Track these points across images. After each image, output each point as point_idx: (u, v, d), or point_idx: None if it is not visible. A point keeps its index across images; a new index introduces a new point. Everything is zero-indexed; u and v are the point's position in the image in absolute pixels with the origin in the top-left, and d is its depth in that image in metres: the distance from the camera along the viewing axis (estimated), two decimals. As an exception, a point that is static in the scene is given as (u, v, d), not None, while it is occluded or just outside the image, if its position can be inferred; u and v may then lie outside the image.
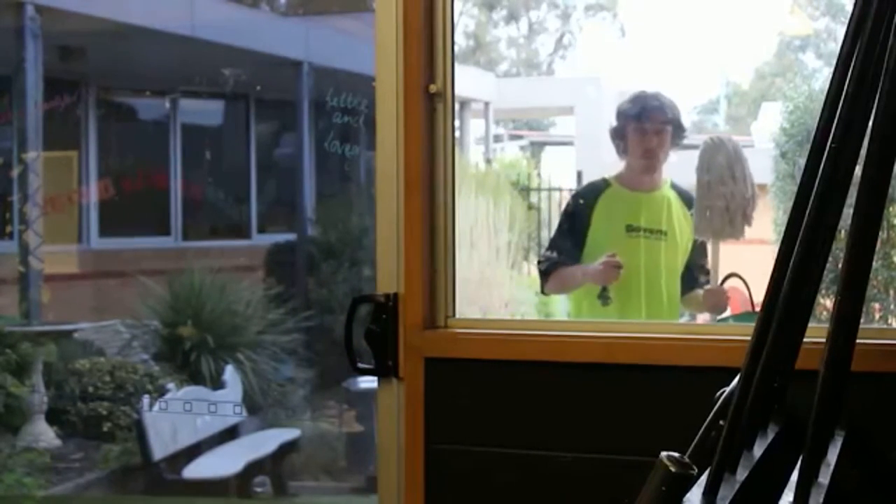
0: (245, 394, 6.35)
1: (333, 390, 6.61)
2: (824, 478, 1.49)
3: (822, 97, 1.53)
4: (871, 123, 1.46)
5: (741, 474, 1.46)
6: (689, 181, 3.74)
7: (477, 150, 14.18)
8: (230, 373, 6.41)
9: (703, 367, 1.99)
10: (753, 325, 1.52)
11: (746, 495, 1.43)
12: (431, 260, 2.24)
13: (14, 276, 6.64)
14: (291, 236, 8.16)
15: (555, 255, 3.71)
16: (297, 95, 7.91)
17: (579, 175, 10.31)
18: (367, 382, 5.22)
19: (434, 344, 2.22)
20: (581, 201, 3.78)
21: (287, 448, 6.17)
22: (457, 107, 2.75)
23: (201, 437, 6.07)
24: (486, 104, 13.94)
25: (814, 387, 1.42)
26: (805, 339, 1.63)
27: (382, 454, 2.27)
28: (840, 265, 1.44)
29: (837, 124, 1.47)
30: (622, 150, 3.71)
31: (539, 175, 12.58)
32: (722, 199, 3.49)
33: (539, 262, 3.83)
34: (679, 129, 3.71)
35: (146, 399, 6.06)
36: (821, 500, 1.42)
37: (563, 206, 4.13)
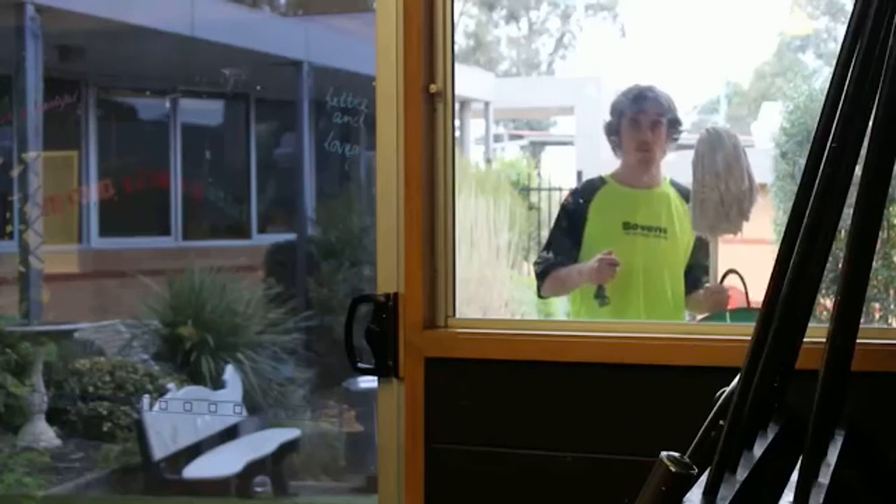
0: (245, 394, 6.35)
1: (333, 390, 6.61)
2: (824, 478, 1.49)
3: (822, 97, 1.52)
4: (871, 123, 1.46)
5: (741, 474, 1.46)
6: (689, 181, 3.68)
7: (477, 150, 14.19)
8: (230, 373, 6.41)
9: (703, 367, 1.99)
10: (753, 324, 1.52)
11: (746, 495, 1.43)
12: (431, 260, 2.24)
13: (14, 276, 6.64)
14: (291, 236, 8.15)
15: (551, 255, 3.64)
16: (297, 95, 7.91)
17: (579, 175, 10.30)
18: (367, 382, 5.22)
19: (434, 344, 2.22)
20: (576, 200, 3.71)
21: (287, 448, 6.17)
22: (457, 107, 2.74)
23: (201, 437, 6.07)
24: (486, 104, 13.94)
25: (814, 387, 1.42)
26: (805, 339, 1.63)
27: (382, 454, 2.27)
28: (840, 265, 1.44)
29: (837, 124, 1.47)
30: (617, 147, 3.64)
31: (539, 175, 12.59)
32: (716, 191, 3.39)
33: (535, 264, 3.75)
34: (675, 124, 3.62)
35: (146, 399, 6.06)
36: (821, 500, 1.42)
37: (560, 204, 4.05)
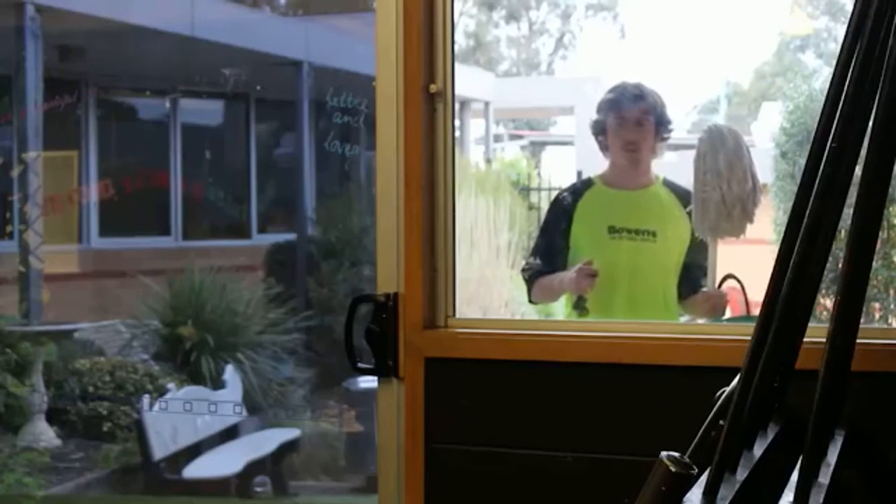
0: (245, 394, 6.35)
1: (333, 390, 6.61)
2: (824, 478, 1.49)
3: (822, 97, 1.52)
4: (871, 123, 1.46)
5: (741, 474, 1.46)
6: (691, 182, 3.56)
7: (477, 150, 14.20)
8: (230, 373, 6.41)
9: (703, 367, 1.99)
10: (753, 325, 1.52)
11: (746, 495, 1.43)
12: (431, 260, 2.24)
13: (14, 276, 6.64)
14: (291, 236, 8.16)
15: (538, 262, 3.50)
16: (297, 95, 7.91)
17: (579, 175, 10.30)
18: (367, 382, 5.22)
19: (434, 344, 2.22)
20: (563, 202, 3.54)
21: (287, 448, 6.17)
22: (457, 107, 2.74)
23: (201, 436, 6.07)
24: (486, 104, 13.95)
25: (814, 387, 1.42)
26: (805, 339, 1.63)
27: (382, 454, 2.27)
28: (840, 265, 1.44)
29: (837, 124, 1.47)
30: (604, 147, 3.50)
31: (539, 175, 12.60)
32: (717, 191, 3.22)
33: (522, 271, 3.62)
34: (663, 122, 3.48)
35: (146, 399, 6.06)
36: (821, 500, 1.42)
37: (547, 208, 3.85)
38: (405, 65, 2.21)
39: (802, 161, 2.25)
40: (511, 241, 9.13)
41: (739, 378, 1.49)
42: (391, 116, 2.23)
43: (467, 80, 12.76)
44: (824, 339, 1.43)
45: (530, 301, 3.66)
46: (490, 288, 8.69)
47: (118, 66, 8.05)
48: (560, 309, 3.78)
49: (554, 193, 4.58)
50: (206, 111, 9.04)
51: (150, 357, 6.75)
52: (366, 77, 2.59)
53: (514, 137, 16.81)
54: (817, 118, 1.51)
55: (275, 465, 6.05)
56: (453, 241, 2.27)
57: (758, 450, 1.58)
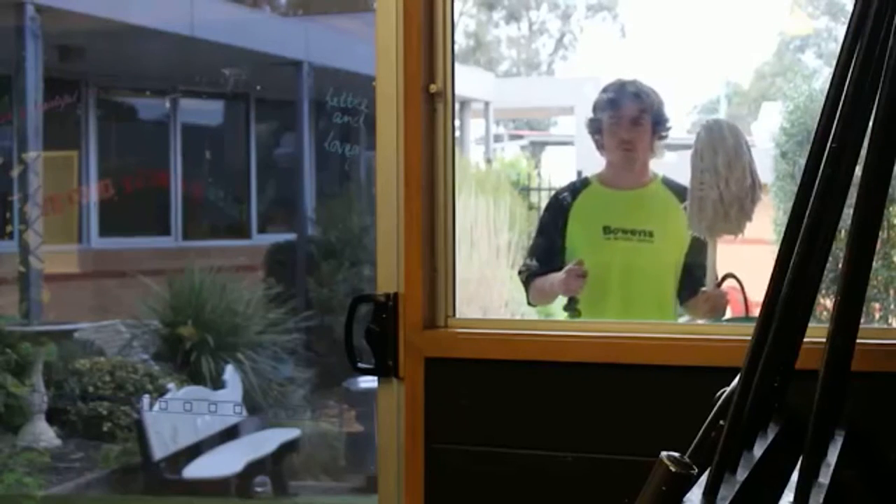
0: (245, 394, 6.35)
1: (333, 390, 6.61)
2: (824, 478, 1.49)
3: (822, 97, 1.52)
4: (871, 124, 1.46)
5: (741, 474, 1.46)
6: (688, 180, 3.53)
7: (477, 150, 14.21)
8: (230, 373, 6.42)
9: (703, 367, 1.99)
10: (753, 325, 1.52)
11: (746, 495, 1.43)
12: (431, 260, 2.24)
13: (14, 276, 6.64)
14: (291, 236, 8.16)
15: (534, 263, 3.45)
16: (297, 95, 7.91)
17: (579, 175, 10.31)
18: (367, 382, 5.22)
19: (434, 344, 2.22)
20: (559, 203, 3.49)
21: (287, 448, 6.17)
22: (457, 107, 2.74)
23: (201, 437, 6.07)
24: (486, 104, 13.96)
25: (814, 387, 1.42)
26: (805, 339, 1.63)
27: (382, 454, 2.27)
28: (840, 265, 1.44)
29: (837, 124, 1.47)
30: (601, 146, 3.44)
31: (539, 175, 12.60)
32: (715, 189, 3.11)
33: (519, 273, 3.57)
34: (661, 121, 3.41)
35: (146, 399, 6.06)
36: (821, 500, 1.42)
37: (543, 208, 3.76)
38: (405, 65, 2.21)
39: (802, 161, 2.25)
40: (511, 241, 9.13)
41: (739, 378, 1.49)
42: (391, 116, 2.23)
43: (467, 80, 12.76)
44: (824, 339, 1.43)
45: (529, 303, 3.62)
46: (490, 288, 8.69)
47: (118, 66, 8.05)
48: (559, 309, 3.76)
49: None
50: (206, 111, 9.04)
51: (150, 357, 6.76)
52: (366, 77, 2.59)
53: (514, 137, 16.82)
54: (817, 118, 1.51)
55: (275, 465, 6.05)
56: (453, 241, 2.27)
57: (758, 450, 1.58)
